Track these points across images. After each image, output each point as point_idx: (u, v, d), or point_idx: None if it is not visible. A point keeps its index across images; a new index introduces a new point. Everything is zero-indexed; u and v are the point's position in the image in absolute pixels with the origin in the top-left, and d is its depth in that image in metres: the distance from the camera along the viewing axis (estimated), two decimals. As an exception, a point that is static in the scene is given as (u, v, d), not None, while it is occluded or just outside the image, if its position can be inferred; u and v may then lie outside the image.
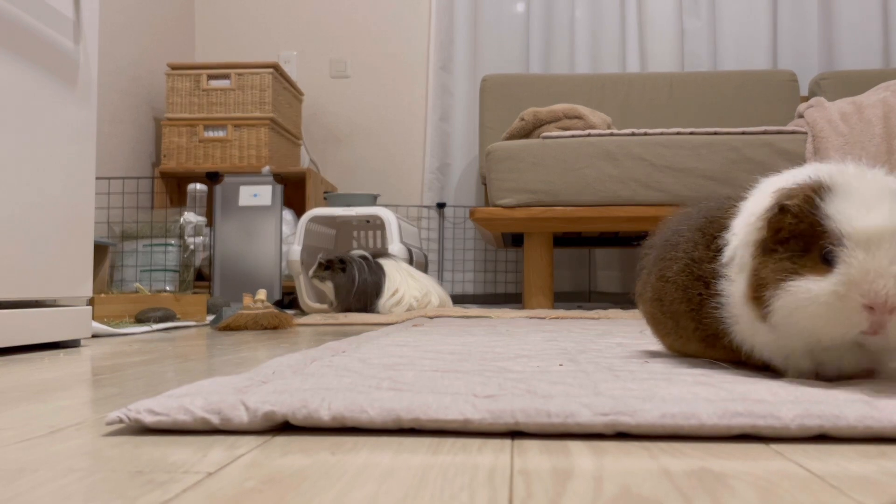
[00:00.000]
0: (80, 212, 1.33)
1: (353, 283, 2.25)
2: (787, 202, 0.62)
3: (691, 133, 2.45)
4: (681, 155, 2.41)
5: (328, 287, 2.30)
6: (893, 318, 0.58)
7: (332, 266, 2.29)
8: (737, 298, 0.67)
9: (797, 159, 2.32)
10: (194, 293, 2.33)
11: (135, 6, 3.07)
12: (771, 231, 0.63)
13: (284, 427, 0.54)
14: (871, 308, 0.57)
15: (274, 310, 1.81)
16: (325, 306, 2.44)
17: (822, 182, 0.61)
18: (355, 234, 3.12)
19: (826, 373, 0.65)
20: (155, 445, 0.49)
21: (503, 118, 3.11)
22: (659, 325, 0.87)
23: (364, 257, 2.33)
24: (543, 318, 2.02)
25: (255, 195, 2.59)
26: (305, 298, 2.50)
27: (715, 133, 2.44)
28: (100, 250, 2.31)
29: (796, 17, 3.33)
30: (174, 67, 3.04)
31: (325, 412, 0.52)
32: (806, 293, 0.59)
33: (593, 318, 2.00)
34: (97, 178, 1.42)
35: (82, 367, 1.00)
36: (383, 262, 2.39)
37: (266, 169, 2.72)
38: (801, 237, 0.61)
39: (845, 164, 0.63)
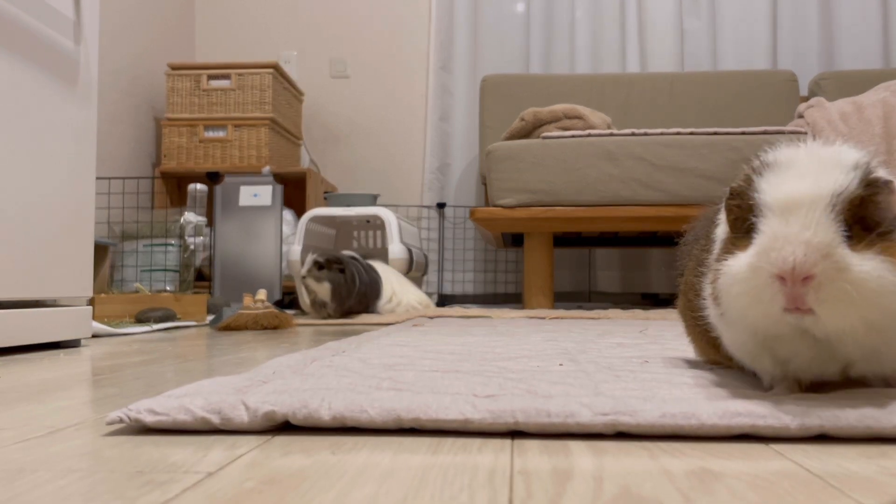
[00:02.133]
0: (80, 212, 1.33)
1: (354, 284, 2.14)
2: (734, 184, 0.59)
3: (691, 133, 2.45)
4: (681, 155, 2.41)
5: (324, 288, 2.11)
6: (812, 291, 0.50)
7: (329, 266, 2.12)
8: (706, 294, 0.62)
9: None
10: (194, 293, 2.32)
11: (135, 6, 3.07)
12: (728, 217, 0.59)
13: (285, 427, 0.54)
14: (782, 278, 0.51)
15: (274, 310, 1.81)
16: (318, 319, 2.17)
17: (768, 160, 0.57)
18: (355, 234, 3.12)
19: (797, 374, 0.59)
20: (155, 445, 0.49)
21: (503, 118, 3.11)
22: (686, 329, 0.81)
23: (354, 258, 2.25)
24: (543, 318, 2.02)
25: (256, 195, 2.59)
26: (306, 299, 2.50)
27: (715, 133, 2.44)
28: (100, 250, 2.31)
29: (796, 17, 3.33)
30: (174, 67, 3.04)
31: (325, 412, 0.52)
32: (728, 271, 0.55)
33: (593, 319, 2.00)
34: (97, 178, 1.42)
35: (82, 367, 1.00)
36: (374, 263, 2.37)
37: (266, 169, 2.72)
38: (743, 217, 0.57)
39: (807, 144, 0.58)
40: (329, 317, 2.15)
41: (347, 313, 2.19)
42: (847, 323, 0.52)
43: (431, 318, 2.09)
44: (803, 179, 0.53)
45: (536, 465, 0.43)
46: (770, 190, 0.54)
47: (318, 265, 2.12)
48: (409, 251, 2.61)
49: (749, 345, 0.60)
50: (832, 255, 0.50)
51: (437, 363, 0.82)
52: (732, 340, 0.62)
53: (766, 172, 0.56)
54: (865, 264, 0.50)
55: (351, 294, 2.15)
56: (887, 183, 0.52)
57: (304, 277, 2.13)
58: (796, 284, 0.50)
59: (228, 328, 1.73)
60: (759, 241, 0.53)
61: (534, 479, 0.40)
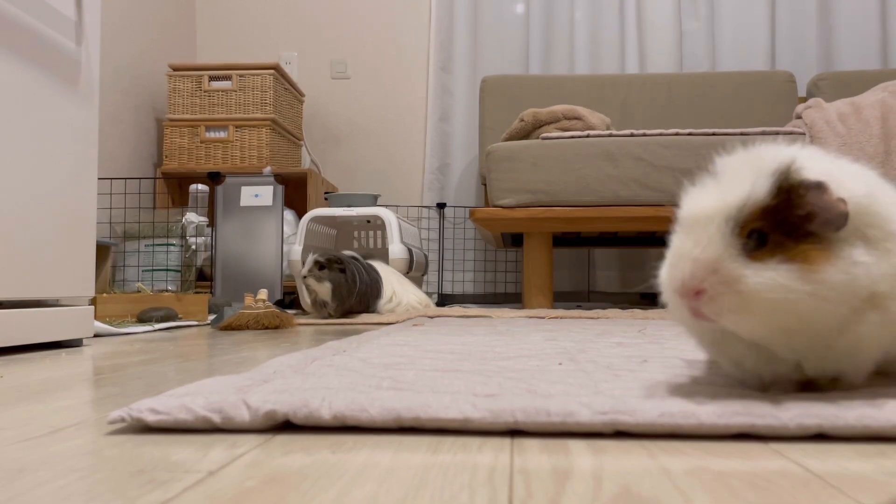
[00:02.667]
0: (82, 212, 1.33)
1: (355, 284, 2.14)
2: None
3: (690, 134, 2.46)
4: (680, 155, 2.41)
5: (325, 287, 2.11)
6: (706, 304, 0.52)
7: (330, 265, 2.12)
8: None
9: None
10: (196, 293, 2.33)
11: (136, 7, 3.08)
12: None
13: (285, 426, 0.54)
14: (680, 294, 0.53)
15: (275, 309, 1.81)
16: (319, 318, 2.16)
17: (711, 169, 0.57)
18: (356, 234, 3.12)
19: (759, 373, 0.59)
20: (156, 445, 0.49)
21: (503, 118, 3.11)
22: None
23: (354, 258, 2.25)
24: (543, 318, 2.02)
25: (257, 195, 2.59)
26: (306, 299, 2.50)
27: (713, 134, 2.45)
28: (102, 250, 2.31)
29: (794, 18, 3.33)
30: (175, 68, 3.04)
31: (325, 411, 0.52)
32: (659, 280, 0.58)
33: (592, 318, 2.00)
34: (99, 179, 1.42)
35: (84, 366, 1.00)
36: (375, 263, 2.37)
37: (267, 169, 2.72)
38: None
39: (749, 149, 0.57)
40: (330, 316, 2.15)
41: (348, 313, 2.19)
42: (752, 330, 0.53)
43: (431, 317, 2.09)
44: (710, 193, 0.55)
45: (536, 464, 0.44)
46: (684, 205, 0.56)
47: (319, 265, 2.12)
48: (410, 251, 2.62)
49: (704, 346, 0.61)
50: (720, 270, 0.51)
51: (438, 362, 0.82)
52: (695, 341, 0.63)
53: (696, 184, 0.57)
54: (762, 274, 0.51)
55: (352, 294, 2.14)
56: (812, 185, 0.51)
57: (305, 277, 2.12)
58: (690, 299, 0.53)
59: (230, 328, 1.73)
60: (667, 256, 0.56)
61: (533, 478, 0.41)
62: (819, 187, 0.51)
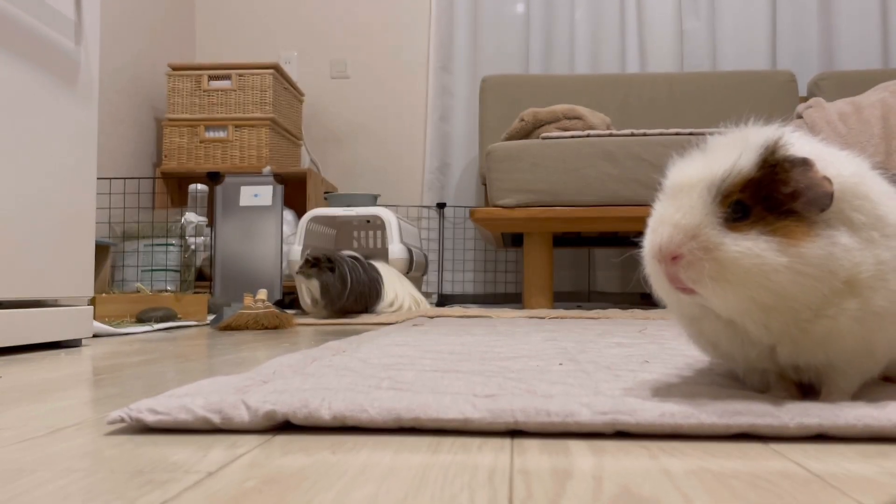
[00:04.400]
0: (81, 212, 1.33)
1: (344, 284, 2.12)
2: None
3: (691, 133, 2.45)
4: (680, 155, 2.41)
5: (313, 285, 2.13)
6: (683, 270, 0.52)
7: (319, 264, 2.13)
8: None
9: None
10: (195, 293, 2.32)
11: (135, 7, 3.07)
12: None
13: (285, 426, 0.54)
14: (658, 259, 0.53)
15: (275, 310, 1.81)
16: (318, 317, 2.15)
17: (702, 145, 0.58)
18: (355, 234, 3.12)
19: (733, 355, 0.59)
20: (155, 445, 0.49)
21: (503, 118, 3.11)
22: None
23: (355, 257, 2.25)
24: (543, 318, 2.02)
25: (256, 195, 2.59)
26: (306, 299, 2.50)
27: (714, 133, 2.44)
28: (101, 250, 2.31)
29: (795, 17, 3.33)
30: (175, 68, 3.04)
31: (325, 411, 0.52)
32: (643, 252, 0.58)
33: (593, 318, 2.00)
34: (98, 179, 1.42)
35: (83, 366, 1.00)
36: (376, 263, 2.37)
37: (267, 169, 2.72)
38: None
39: (742, 127, 0.57)
40: (327, 315, 2.16)
41: (345, 312, 2.19)
42: (727, 302, 0.52)
43: (431, 317, 2.09)
44: (695, 164, 0.55)
45: (536, 465, 0.44)
46: (669, 174, 0.56)
47: (310, 263, 2.15)
48: (410, 251, 2.61)
49: (683, 328, 0.61)
50: (699, 236, 0.51)
51: (437, 363, 0.82)
52: (674, 317, 0.62)
53: (684, 157, 0.57)
54: (740, 244, 0.50)
55: (342, 294, 2.13)
56: (797, 161, 0.51)
57: (296, 273, 2.16)
58: (667, 264, 0.52)
59: (229, 328, 1.73)
60: (649, 224, 0.56)
61: (534, 479, 0.41)
62: (805, 164, 0.51)
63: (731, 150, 0.53)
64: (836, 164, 0.53)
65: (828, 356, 0.54)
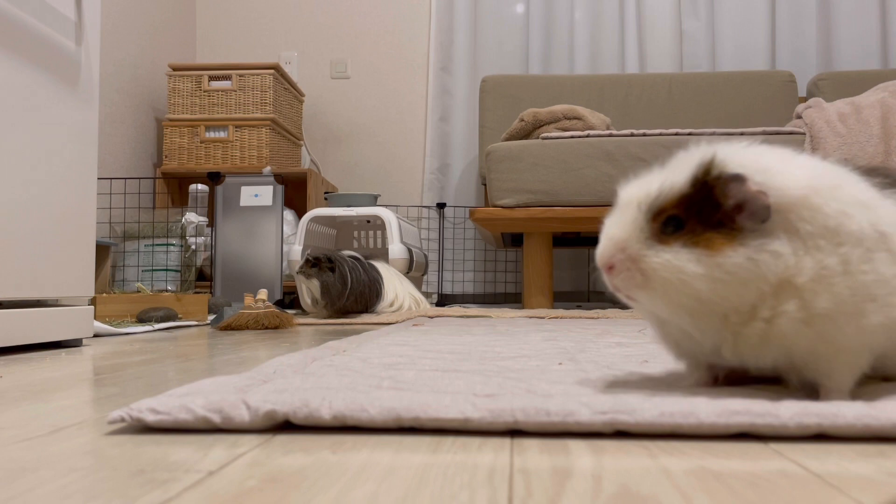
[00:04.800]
0: (81, 212, 1.33)
1: (344, 284, 2.12)
2: None
3: (690, 134, 2.46)
4: (681, 155, 2.41)
5: (314, 285, 2.13)
6: (616, 279, 0.57)
7: (320, 264, 2.13)
8: None
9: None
10: (195, 293, 2.33)
11: (136, 7, 3.07)
12: None
13: (285, 426, 0.54)
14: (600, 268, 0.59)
15: (275, 309, 1.81)
16: (318, 317, 2.15)
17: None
18: (356, 234, 3.12)
19: (694, 354, 0.62)
20: (156, 444, 0.49)
21: (503, 119, 3.11)
22: None
23: (355, 257, 2.25)
24: (543, 318, 2.02)
25: (257, 195, 2.59)
26: (306, 299, 2.50)
27: (713, 133, 2.44)
28: (101, 250, 2.31)
29: (795, 18, 3.33)
30: (175, 68, 3.04)
31: (325, 411, 0.52)
32: None
33: (592, 318, 2.00)
34: (99, 179, 1.43)
35: (84, 366, 1.00)
36: (377, 263, 2.37)
37: (267, 169, 2.72)
38: None
39: (700, 147, 0.60)
40: (328, 315, 2.16)
41: (345, 312, 2.19)
42: (657, 308, 0.57)
43: (431, 317, 2.09)
44: (639, 181, 0.59)
45: (536, 464, 0.44)
46: (620, 190, 0.61)
47: (310, 263, 2.15)
48: (410, 251, 2.62)
49: (652, 323, 0.64)
50: (628, 248, 0.56)
51: (437, 362, 0.83)
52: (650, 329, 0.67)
53: (642, 174, 0.61)
54: (661, 255, 0.55)
55: (343, 294, 2.13)
56: (731, 177, 0.54)
57: (297, 273, 2.16)
58: (606, 274, 0.58)
59: (229, 328, 1.73)
60: None
61: (533, 478, 0.41)
62: (738, 179, 0.54)
63: (677, 168, 0.57)
64: (784, 176, 0.55)
65: (779, 358, 0.56)
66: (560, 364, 0.82)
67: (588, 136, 2.52)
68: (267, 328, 1.76)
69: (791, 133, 2.45)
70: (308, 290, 2.16)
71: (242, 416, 0.53)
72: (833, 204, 0.54)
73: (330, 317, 2.15)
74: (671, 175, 0.57)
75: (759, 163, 0.56)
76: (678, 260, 0.54)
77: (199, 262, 2.74)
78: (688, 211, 0.55)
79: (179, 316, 1.95)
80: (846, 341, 0.55)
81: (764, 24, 3.31)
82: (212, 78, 3.02)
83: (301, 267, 2.15)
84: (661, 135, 2.47)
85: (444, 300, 3.28)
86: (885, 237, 0.55)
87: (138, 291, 2.12)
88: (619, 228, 0.58)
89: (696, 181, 0.55)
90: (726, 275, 0.53)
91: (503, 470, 0.42)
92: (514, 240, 2.97)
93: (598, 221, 0.61)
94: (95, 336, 1.49)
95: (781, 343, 0.55)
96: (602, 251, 0.58)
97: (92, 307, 1.37)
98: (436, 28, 3.43)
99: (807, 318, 0.53)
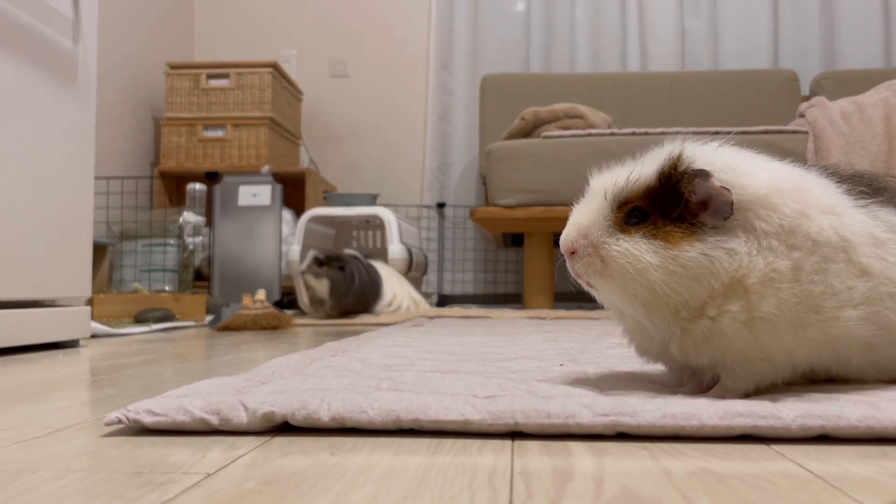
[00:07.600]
0: (78, 211, 1.33)
1: (352, 283, 2.12)
2: None
3: (692, 132, 2.45)
4: (681, 154, 2.41)
5: (322, 284, 2.10)
6: (576, 264, 0.59)
7: (329, 263, 2.10)
8: None
9: (798, 159, 2.32)
10: (193, 293, 2.32)
11: (134, 5, 3.07)
12: None
13: (284, 427, 0.53)
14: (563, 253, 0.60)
15: (273, 310, 1.80)
16: (317, 318, 2.16)
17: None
18: (355, 234, 3.12)
19: (644, 347, 0.62)
20: (154, 446, 0.49)
21: (503, 118, 3.10)
22: None
23: (356, 257, 2.25)
24: (544, 319, 2.02)
25: (255, 195, 2.58)
26: (305, 299, 2.50)
27: (716, 132, 2.42)
28: (99, 250, 2.31)
29: (797, 16, 3.33)
30: (173, 67, 3.04)
31: (324, 413, 0.52)
32: None
33: (594, 319, 2.00)
34: (96, 178, 1.42)
35: (81, 367, 1.00)
36: (375, 264, 2.37)
37: (265, 169, 2.72)
38: None
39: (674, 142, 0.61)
40: (328, 315, 2.15)
41: (346, 313, 2.18)
42: (613, 295, 0.58)
43: (431, 318, 2.08)
44: (611, 171, 0.61)
45: (537, 466, 0.43)
46: (590, 180, 0.63)
47: (318, 262, 2.11)
48: (409, 251, 2.61)
49: (614, 315, 0.65)
50: (589, 235, 0.58)
51: (437, 363, 0.82)
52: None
53: (616, 166, 0.63)
54: (621, 244, 0.56)
55: (349, 293, 2.13)
56: (696, 173, 0.55)
57: (303, 273, 2.12)
58: (568, 259, 0.60)
59: (227, 328, 1.73)
60: None
61: (534, 480, 0.40)
62: (702, 175, 0.55)
63: (647, 162, 0.58)
64: (748, 175, 0.56)
65: (715, 357, 0.56)
66: (561, 365, 0.81)
67: (589, 134, 2.52)
68: (265, 329, 1.75)
69: (794, 132, 2.44)
70: (312, 289, 2.14)
71: (240, 417, 0.52)
72: (792, 205, 0.55)
73: (331, 317, 2.15)
74: (640, 168, 0.58)
75: (727, 162, 0.57)
76: (636, 249, 0.55)
77: (196, 263, 2.73)
78: (652, 203, 0.56)
79: (177, 316, 1.94)
80: (778, 350, 0.55)
81: (766, 23, 3.31)
82: (210, 76, 3.02)
83: (309, 265, 2.12)
84: (663, 133, 2.46)
85: (443, 300, 3.28)
86: (847, 244, 0.55)
87: (136, 292, 2.11)
88: (584, 216, 0.59)
89: (662, 175, 0.56)
90: (680, 268, 0.54)
91: (504, 472, 0.42)
92: (515, 240, 2.97)
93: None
94: (93, 337, 1.48)
95: (720, 342, 0.55)
96: (565, 236, 0.59)
97: (89, 308, 1.36)
98: (436, 26, 3.43)
99: (748, 320, 0.54)
